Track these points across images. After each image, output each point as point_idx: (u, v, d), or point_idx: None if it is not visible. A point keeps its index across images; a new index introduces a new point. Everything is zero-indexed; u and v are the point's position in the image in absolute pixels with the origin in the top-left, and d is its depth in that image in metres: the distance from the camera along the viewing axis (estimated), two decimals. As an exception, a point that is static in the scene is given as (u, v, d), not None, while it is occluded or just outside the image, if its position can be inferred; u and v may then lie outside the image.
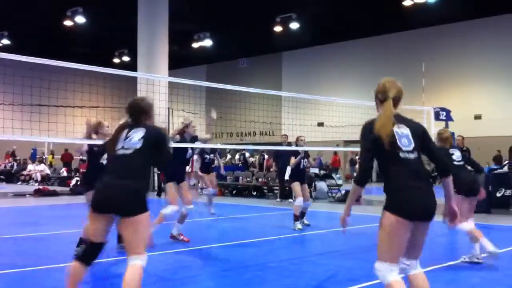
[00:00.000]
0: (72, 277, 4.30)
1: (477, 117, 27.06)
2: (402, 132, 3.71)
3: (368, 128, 3.74)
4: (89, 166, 7.47)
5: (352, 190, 3.85)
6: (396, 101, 3.87)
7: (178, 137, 8.46)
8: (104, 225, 4.19)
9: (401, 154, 3.64)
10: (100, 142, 7.13)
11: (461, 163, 7.07)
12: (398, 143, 3.65)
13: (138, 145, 4.18)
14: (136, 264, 3.99)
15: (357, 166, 30.26)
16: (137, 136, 4.22)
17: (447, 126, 13.35)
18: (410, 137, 3.71)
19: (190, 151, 8.50)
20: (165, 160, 4.39)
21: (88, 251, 4.28)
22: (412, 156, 3.66)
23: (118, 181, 4.05)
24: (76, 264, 4.28)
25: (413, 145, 3.69)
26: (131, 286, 3.90)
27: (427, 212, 3.63)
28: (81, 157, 26.16)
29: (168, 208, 7.98)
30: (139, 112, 4.38)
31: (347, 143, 28.39)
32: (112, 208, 4.06)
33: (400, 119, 3.80)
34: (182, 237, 8.40)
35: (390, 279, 3.66)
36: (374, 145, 3.66)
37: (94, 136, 7.33)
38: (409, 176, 3.60)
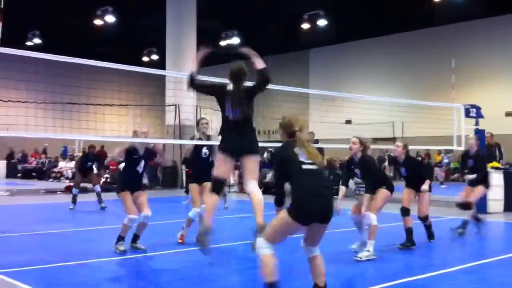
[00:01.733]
0: (211, 206, 5.55)
1: (508, 114, 26.58)
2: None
3: (284, 155, 4.57)
4: (125, 170, 7.81)
5: (276, 210, 4.77)
6: (301, 130, 4.64)
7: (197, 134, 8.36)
8: (229, 167, 5.64)
9: (304, 166, 4.41)
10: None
11: None
12: (300, 157, 4.44)
13: None
14: None
15: (385, 164, 29.98)
16: None
17: (477, 123, 13.15)
18: None
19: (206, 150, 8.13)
20: None
21: (217, 185, 5.61)
22: (314, 167, 4.44)
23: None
24: (212, 196, 5.55)
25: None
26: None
27: (323, 216, 4.35)
28: (111, 154, 26.48)
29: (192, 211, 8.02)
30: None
31: (375, 140, 28.17)
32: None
33: None
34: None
35: (263, 253, 4.38)
36: (286, 167, 4.46)
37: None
38: (309, 186, 4.33)
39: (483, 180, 9.45)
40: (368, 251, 7.05)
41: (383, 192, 7.52)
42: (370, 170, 7.54)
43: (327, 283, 4.64)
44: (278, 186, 4.75)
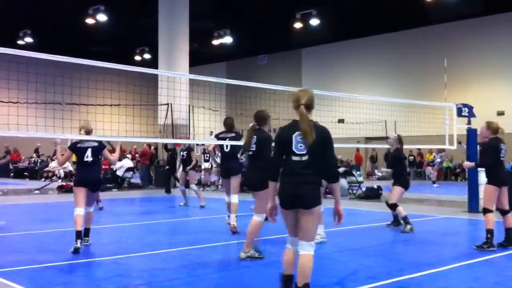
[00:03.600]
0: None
1: (500, 113, 26.69)
2: (300, 139, 4.50)
3: (283, 138, 4.63)
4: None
5: (271, 186, 4.72)
6: (308, 107, 4.61)
7: None
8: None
9: (293, 157, 4.52)
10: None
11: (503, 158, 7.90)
12: (294, 148, 4.52)
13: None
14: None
15: (377, 163, 30.11)
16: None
17: (469, 122, 13.19)
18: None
19: None
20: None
21: None
22: (303, 158, 4.49)
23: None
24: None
25: (307, 149, 4.49)
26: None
27: (296, 202, 4.48)
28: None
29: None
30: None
31: (368, 139, 28.24)
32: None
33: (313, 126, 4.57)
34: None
35: (286, 247, 4.67)
36: (283, 148, 4.58)
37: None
38: (291, 174, 4.52)
39: (399, 179, 9.75)
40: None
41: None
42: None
43: (309, 285, 4.48)
44: (276, 163, 4.73)
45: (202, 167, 20.90)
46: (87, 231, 7.85)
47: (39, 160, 30.13)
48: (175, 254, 7.41)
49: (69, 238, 8.84)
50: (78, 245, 7.29)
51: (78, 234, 7.39)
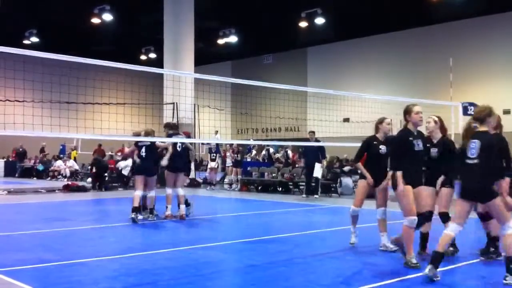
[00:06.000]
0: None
1: (506, 112, 26.57)
2: (471, 146, 5.70)
3: (461, 148, 5.90)
4: None
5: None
6: (476, 119, 5.85)
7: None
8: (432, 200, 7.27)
9: (467, 161, 5.70)
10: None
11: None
12: (468, 153, 5.70)
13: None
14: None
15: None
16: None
17: (475, 121, 13.12)
18: (478, 148, 5.63)
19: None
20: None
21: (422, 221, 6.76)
22: (474, 161, 5.65)
23: None
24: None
25: (477, 154, 5.63)
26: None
27: (472, 195, 5.71)
28: (110, 153, 26.51)
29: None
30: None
31: (373, 138, 28.19)
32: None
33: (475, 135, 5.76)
34: None
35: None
36: (463, 154, 5.84)
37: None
38: (467, 174, 5.72)
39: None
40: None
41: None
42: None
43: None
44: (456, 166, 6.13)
45: (208, 166, 20.93)
46: (151, 210, 10.68)
47: (46, 159, 30.24)
48: (180, 253, 7.43)
49: (74, 237, 8.88)
50: (133, 215, 10.03)
51: (134, 208, 10.09)
